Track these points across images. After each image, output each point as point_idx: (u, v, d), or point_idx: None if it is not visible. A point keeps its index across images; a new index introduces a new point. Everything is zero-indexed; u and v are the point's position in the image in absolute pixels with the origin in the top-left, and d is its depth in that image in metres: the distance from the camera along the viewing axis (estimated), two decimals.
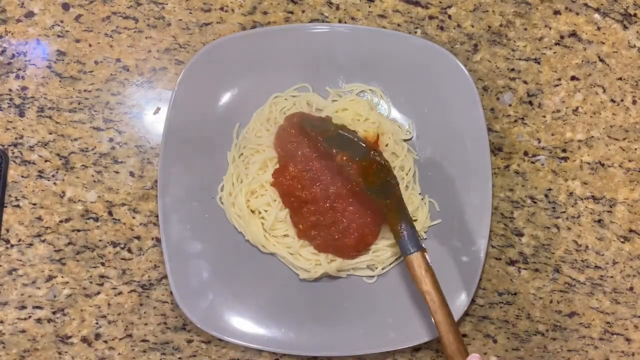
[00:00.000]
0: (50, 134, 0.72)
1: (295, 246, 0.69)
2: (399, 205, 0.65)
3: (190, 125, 0.70)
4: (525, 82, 0.74)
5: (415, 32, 0.74)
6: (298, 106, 0.71)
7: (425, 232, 0.70)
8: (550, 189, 0.73)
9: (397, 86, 0.72)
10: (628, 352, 0.72)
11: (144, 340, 0.72)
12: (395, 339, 0.68)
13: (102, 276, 0.72)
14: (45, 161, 0.72)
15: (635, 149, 0.73)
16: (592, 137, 0.73)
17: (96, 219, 0.72)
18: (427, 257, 0.63)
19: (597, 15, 0.74)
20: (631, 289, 0.72)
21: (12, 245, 0.71)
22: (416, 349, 0.72)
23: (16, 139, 0.72)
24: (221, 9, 0.74)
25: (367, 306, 0.70)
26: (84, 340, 0.71)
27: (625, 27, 0.74)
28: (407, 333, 0.68)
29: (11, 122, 0.72)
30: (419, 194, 0.71)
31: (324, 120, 0.69)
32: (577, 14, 0.74)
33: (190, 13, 0.74)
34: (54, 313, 0.71)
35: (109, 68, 0.73)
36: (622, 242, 0.72)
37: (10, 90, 0.73)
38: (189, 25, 0.74)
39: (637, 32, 0.74)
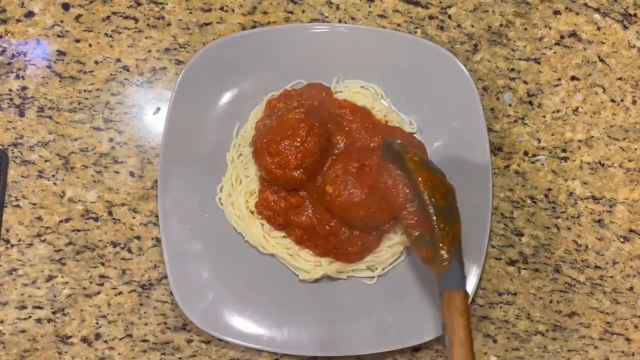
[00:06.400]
0: (50, 134, 0.72)
1: (295, 247, 0.69)
2: (457, 236, 0.61)
3: (190, 125, 0.70)
4: (525, 82, 0.74)
5: (415, 32, 0.74)
6: None
7: None
8: (550, 189, 0.73)
9: (397, 86, 0.72)
10: (628, 352, 0.72)
11: (144, 340, 0.72)
12: (395, 339, 0.68)
13: (102, 276, 0.72)
14: (45, 161, 0.72)
15: (635, 149, 0.73)
16: (592, 137, 0.73)
17: (96, 219, 0.72)
18: (467, 300, 0.58)
19: (597, 15, 0.74)
20: (631, 289, 0.72)
21: (12, 245, 0.71)
22: (416, 349, 0.72)
23: (16, 139, 0.72)
24: (221, 9, 0.74)
25: (367, 306, 0.70)
26: (84, 340, 0.71)
27: (625, 27, 0.74)
28: (407, 333, 0.68)
29: (11, 122, 0.72)
30: None
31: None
32: (577, 14, 0.74)
33: (190, 13, 0.74)
34: (54, 313, 0.71)
35: (109, 68, 0.73)
36: (622, 242, 0.72)
37: (10, 90, 0.73)
38: (189, 25, 0.74)
39: (637, 32, 0.74)
